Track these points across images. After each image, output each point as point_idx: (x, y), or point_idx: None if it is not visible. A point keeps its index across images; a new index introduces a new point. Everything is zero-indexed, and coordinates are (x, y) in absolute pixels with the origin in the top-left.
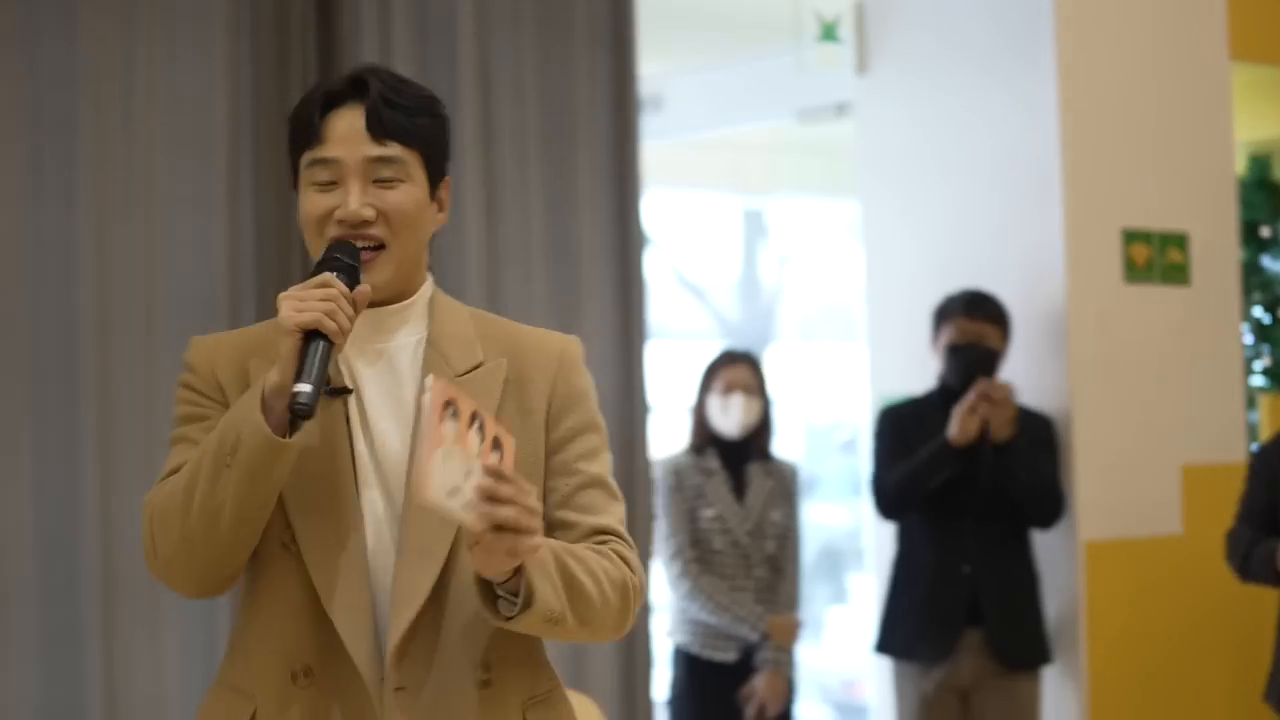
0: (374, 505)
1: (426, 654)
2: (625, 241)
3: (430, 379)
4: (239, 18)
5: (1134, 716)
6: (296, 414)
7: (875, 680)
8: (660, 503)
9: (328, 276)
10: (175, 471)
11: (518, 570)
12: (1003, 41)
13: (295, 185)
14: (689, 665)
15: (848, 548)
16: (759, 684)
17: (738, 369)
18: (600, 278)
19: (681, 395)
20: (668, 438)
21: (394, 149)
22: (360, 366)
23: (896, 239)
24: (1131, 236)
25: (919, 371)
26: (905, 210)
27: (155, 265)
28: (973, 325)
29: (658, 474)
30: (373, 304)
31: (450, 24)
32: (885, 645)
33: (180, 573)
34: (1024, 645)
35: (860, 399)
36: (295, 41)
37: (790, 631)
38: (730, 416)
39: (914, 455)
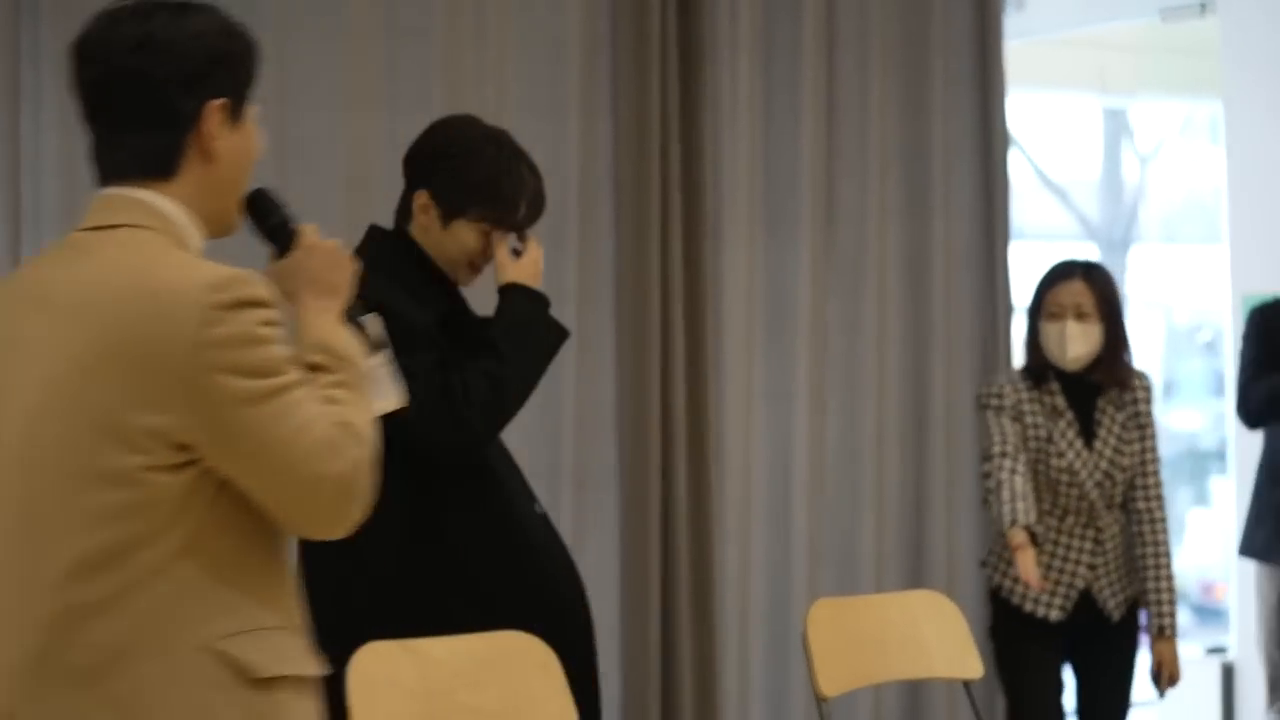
0: None
1: None
2: (988, 143)
3: None
4: None
5: None
6: None
7: (1234, 583)
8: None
9: None
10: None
11: None
12: None
13: None
14: (1004, 611)
15: (1210, 450)
16: (1163, 654)
17: (1068, 288)
18: (959, 180)
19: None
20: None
21: None
22: None
23: (1260, 138)
24: None
25: None
26: (1269, 110)
27: None
28: None
29: (987, 398)
30: None
31: None
32: (1248, 548)
33: None
34: None
35: (1222, 299)
36: None
37: (1174, 664)
38: (1056, 346)
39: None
